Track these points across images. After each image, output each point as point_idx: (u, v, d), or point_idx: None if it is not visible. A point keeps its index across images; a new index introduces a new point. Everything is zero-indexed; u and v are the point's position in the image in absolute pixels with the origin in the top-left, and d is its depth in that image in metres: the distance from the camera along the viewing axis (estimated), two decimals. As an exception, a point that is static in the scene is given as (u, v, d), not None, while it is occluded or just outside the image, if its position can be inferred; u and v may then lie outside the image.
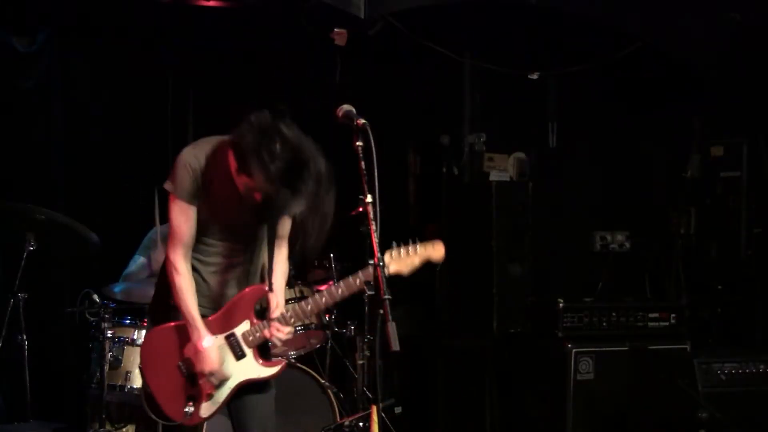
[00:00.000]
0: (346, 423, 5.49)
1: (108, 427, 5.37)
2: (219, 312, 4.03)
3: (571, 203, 7.67)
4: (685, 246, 7.59)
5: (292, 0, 6.38)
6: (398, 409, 6.21)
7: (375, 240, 3.49)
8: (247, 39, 6.74)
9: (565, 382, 6.09)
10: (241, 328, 4.02)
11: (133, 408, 5.58)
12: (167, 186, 3.97)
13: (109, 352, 5.33)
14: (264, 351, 4.09)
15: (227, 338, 4.02)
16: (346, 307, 5.88)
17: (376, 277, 3.44)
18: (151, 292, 5.60)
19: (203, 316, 4.00)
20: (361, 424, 5.53)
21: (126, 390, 5.34)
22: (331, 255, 6.03)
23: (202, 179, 3.90)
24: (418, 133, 7.71)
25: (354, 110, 3.73)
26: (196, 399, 4.00)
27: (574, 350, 6.10)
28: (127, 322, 5.48)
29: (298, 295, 5.78)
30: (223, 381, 4.00)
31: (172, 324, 4.03)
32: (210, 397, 4.00)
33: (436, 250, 4.19)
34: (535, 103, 7.77)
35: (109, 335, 5.34)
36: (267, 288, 4.05)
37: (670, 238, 7.64)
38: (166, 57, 6.64)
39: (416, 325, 7.20)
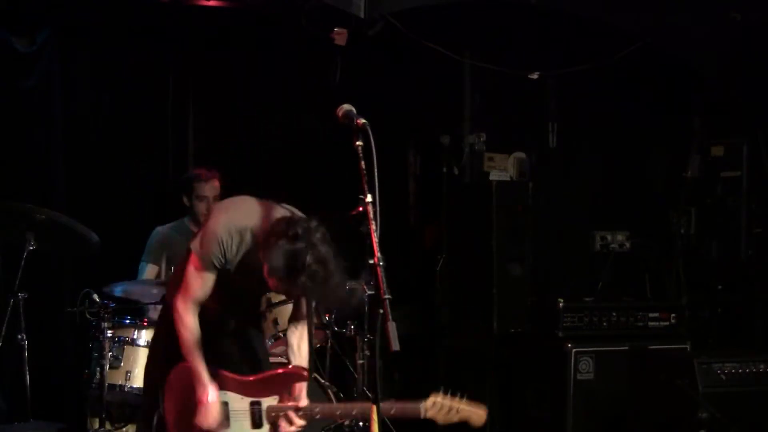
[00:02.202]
0: (346, 423, 5.49)
1: (108, 427, 5.37)
2: (255, 377, 4.09)
3: (571, 203, 7.67)
4: (685, 246, 7.59)
5: (292, 0, 6.38)
6: (398, 409, 6.20)
7: (375, 240, 3.48)
8: (247, 39, 6.75)
9: (565, 382, 6.09)
10: (268, 401, 4.07)
11: (133, 408, 5.58)
12: (194, 247, 3.97)
13: (109, 352, 5.32)
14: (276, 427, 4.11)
15: (252, 405, 4.06)
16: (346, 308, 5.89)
17: (376, 277, 3.43)
18: (152, 291, 5.65)
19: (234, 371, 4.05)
20: (361, 424, 5.53)
21: (126, 390, 5.33)
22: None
23: (230, 257, 3.92)
24: (418, 133, 7.71)
25: (354, 110, 3.72)
26: None
27: (574, 350, 6.10)
28: (127, 322, 5.48)
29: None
30: None
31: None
32: None
33: (478, 416, 4.05)
34: (535, 103, 7.77)
35: (109, 335, 5.34)
36: (307, 375, 4.10)
37: (670, 238, 7.64)
38: (167, 57, 6.64)
39: (416, 325, 7.20)
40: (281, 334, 5.49)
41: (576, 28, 7.01)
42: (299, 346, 4.21)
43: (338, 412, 4.16)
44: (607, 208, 7.72)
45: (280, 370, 4.13)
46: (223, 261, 3.92)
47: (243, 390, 4.06)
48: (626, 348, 6.23)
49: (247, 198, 4.04)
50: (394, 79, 7.33)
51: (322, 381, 5.61)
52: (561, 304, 6.21)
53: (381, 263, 3.47)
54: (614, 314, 6.35)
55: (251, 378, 4.08)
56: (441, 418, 4.03)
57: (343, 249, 5.87)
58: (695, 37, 7.08)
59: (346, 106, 3.74)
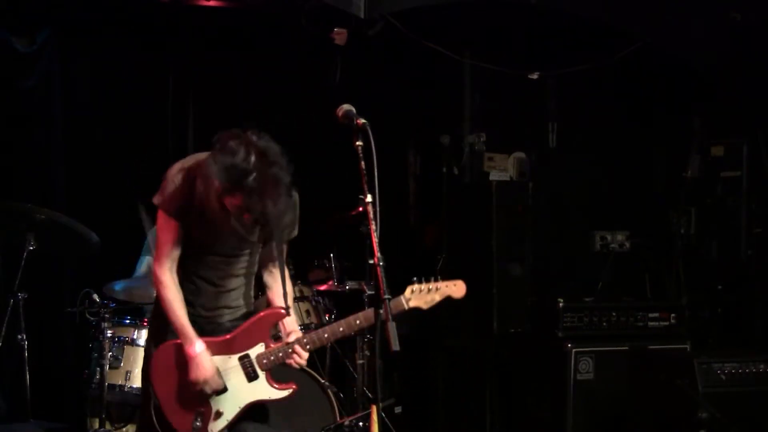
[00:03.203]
0: (346, 423, 5.49)
1: (108, 427, 5.37)
2: (234, 332, 4.05)
3: (571, 203, 7.67)
4: (685, 246, 7.59)
5: (292, 0, 6.38)
6: (398, 409, 6.21)
7: (375, 240, 3.49)
8: (247, 39, 6.75)
9: (565, 382, 6.08)
10: (256, 350, 4.04)
11: (133, 408, 5.59)
12: (155, 199, 3.98)
13: (109, 352, 5.33)
14: (275, 373, 4.09)
15: (241, 359, 4.03)
16: (346, 307, 5.88)
17: (376, 277, 3.43)
18: (152, 291, 5.65)
19: (195, 324, 4.00)
20: (361, 423, 5.53)
21: (126, 390, 5.34)
22: (331, 255, 6.03)
23: (191, 196, 3.89)
24: (418, 133, 7.71)
25: (354, 110, 3.73)
26: (204, 415, 4.00)
27: (574, 350, 6.10)
28: (127, 321, 5.49)
29: (297, 294, 5.79)
30: (233, 396, 4.00)
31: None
32: (219, 415, 4.01)
33: (457, 288, 4.21)
34: (535, 103, 7.77)
35: (109, 335, 5.34)
36: (284, 312, 4.07)
37: (670, 238, 7.64)
38: (167, 57, 6.65)
39: (416, 325, 7.20)
40: (280, 335, 5.48)
41: (576, 28, 7.01)
42: (274, 288, 4.15)
43: (325, 336, 4.06)
44: (607, 208, 7.72)
45: (253, 318, 4.07)
46: (183, 201, 3.88)
47: (226, 349, 4.02)
48: (626, 348, 6.22)
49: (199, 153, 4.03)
50: (394, 79, 7.33)
51: (322, 381, 5.61)
52: (561, 304, 6.21)
53: (381, 263, 3.48)
54: (614, 314, 6.35)
55: (229, 335, 4.04)
56: (425, 303, 4.11)
57: (343, 249, 5.88)
58: (695, 37, 7.08)
59: (346, 106, 3.75)
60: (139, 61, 6.51)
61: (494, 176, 7.41)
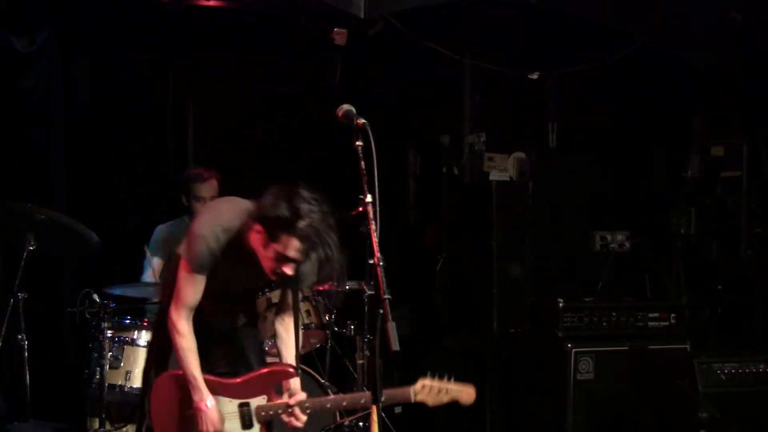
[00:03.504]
0: (346, 423, 5.49)
1: (108, 427, 5.37)
2: (241, 378, 4.08)
3: (571, 203, 7.67)
4: (685, 246, 7.58)
5: (292, 0, 6.38)
6: (398, 409, 6.21)
7: (375, 240, 3.48)
8: (247, 39, 6.74)
9: (565, 382, 6.09)
10: (257, 401, 4.07)
11: (133, 408, 5.58)
12: (182, 251, 3.98)
13: (109, 352, 5.32)
14: (270, 429, 4.12)
15: (240, 406, 4.06)
16: (346, 307, 5.89)
17: (376, 277, 3.43)
18: (150, 290, 5.65)
19: (224, 374, 4.07)
20: (361, 424, 5.53)
21: (126, 390, 5.34)
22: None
23: (220, 254, 3.91)
24: (418, 133, 7.71)
25: (354, 110, 3.73)
26: None
27: (574, 350, 6.10)
28: (127, 322, 5.48)
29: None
30: None
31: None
32: None
33: (466, 394, 4.21)
34: (535, 103, 7.77)
35: (109, 335, 5.34)
36: (294, 372, 4.10)
37: (670, 238, 7.64)
38: (167, 57, 6.65)
39: (416, 325, 7.20)
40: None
41: (576, 28, 7.01)
42: (286, 340, 4.20)
43: (328, 405, 4.16)
44: (607, 208, 7.72)
45: (264, 369, 4.13)
46: (212, 262, 3.91)
47: (230, 392, 4.06)
48: (626, 348, 6.23)
49: (233, 198, 4.05)
50: (394, 79, 7.33)
51: (322, 381, 5.61)
52: (561, 304, 6.21)
53: (381, 263, 3.47)
54: (614, 314, 6.35)
55: (237, 380, 4.08)
56: (431, 400, 4.12)
57: (343, 249, 5.84)
58: (695, 37, 7.08)
59: (346, 106, 3.75)
60: (139, 61, 6.51)
61: (494, 176, 7.41)
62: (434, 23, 6.86)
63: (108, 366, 5.29)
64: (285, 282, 4.01)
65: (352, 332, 5.95)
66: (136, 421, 4.75)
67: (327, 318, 5.88)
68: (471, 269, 6.84)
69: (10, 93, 6.08)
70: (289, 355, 4.19)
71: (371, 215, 3.53)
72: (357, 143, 3.66)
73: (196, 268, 3.92)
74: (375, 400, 3.48)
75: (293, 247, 3.75)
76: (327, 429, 5.44)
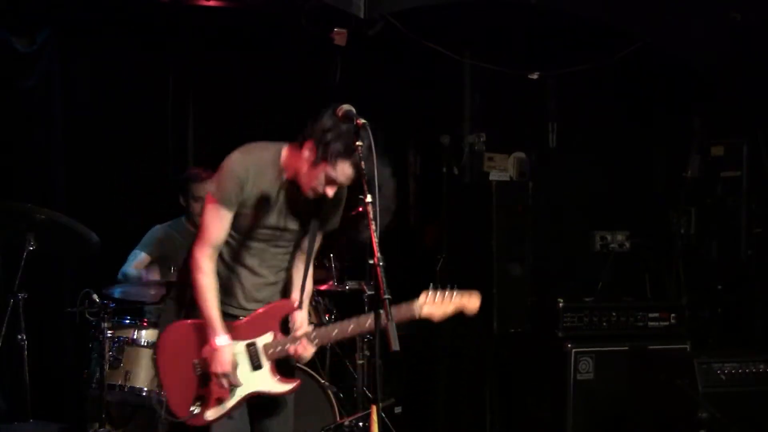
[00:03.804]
0: (346, 423, 5.49)
1: (108, 427, 5.37)
2: (245, 319, 4.03)
3: (571, 203, 7.67)
4: (685, 246, 7.58)
5: (292, 0, 6.38)
6: (398, 409, 6.21)
7: (375, 240, 3.48)
8: (247, 39, 6.74)
9: (565, 382, 6.09)
10: (263, 339, 4.02)
11: (133, 408, 5.58)
12: (211, 189, 3.96)
13: (109, 352, 5.32)
14: (280, 366, 4.06)
15: (248, 346, 4.01)
16: (346, 307, 5.89)
17: (376, 277, 3.43)
18: (150, 292, 5.65)
19: (233, 317, 4.01)
20: (361, 424, 5.53)
21: (126, 390, 5.33)
22: (331, 255, 6.03)
23: (250, 187, 3.90)
24: (418, 133, 7.71)
25: (354, 110, 3.74)
26: (204, 401, 3.97)
27: (574, 350, 6.10)
28: (127, 322, 5.48)
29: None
30: (233, 387, 3.97)
31: (195, 321, 4.00)
32: (219, 401, 3.97)
33: (471, 301, 4.11)
34: (535, 103, 7.77)
35: (108, 335, 5.34)
36: (296, 305, 4.06)
37: (670, 238, 7.64)
38: (167, 57, 6.64)
39: (416, 325, 7.19)
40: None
41: (576, 28, 7.00)
42: (294, 278, 4.17)
43: (334, 333, 4.02)
44: (607, 208, 7.72)
45: (267, 307, 4.06)
46: (238, 195, 3.89)
47: (236, 334, 3.98)
48: (626, 348, 6.23)
49: (260, 142, 4.04)
50: (394, 79, 7.33)
51: (322, 381, 5.61)
52: (561, 304, 6.21)
53: (381, 263, 3.47)
54: (614, 314, 6.36)
55: (242, 321, 4.02)
56: (437, 313, 4.04)
57: (343, 249, 5.86)
58: (695, 37, 7.08)
59: (346, 106, 3.75)
60: (139, 61, 6.51)
61: (494, 176, 7.41)
62: (434, 23, 6.86)
63: (108, 366, 5.29)
64: (318, 205, 3.95)
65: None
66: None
67: (327, 318, 5.88)
68: (471, 269, 6.84)
69: (10, 93, 6.09)
70: (295, 291, 4.13)
71: (371, 215, 3.53)
72: (357, 143, 3.66)
73: (222, 201, 3.90)
74: (375, 400, 3.48)
75: (346, 174, 3.77)
76: (327, 429, 5.44)
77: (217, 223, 3.93)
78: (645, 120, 7.82)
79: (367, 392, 5.79)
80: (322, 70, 6.86)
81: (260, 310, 4.04)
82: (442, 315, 4.06)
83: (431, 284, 4.07)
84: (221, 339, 3.91)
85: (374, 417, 3.52)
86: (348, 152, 3.74)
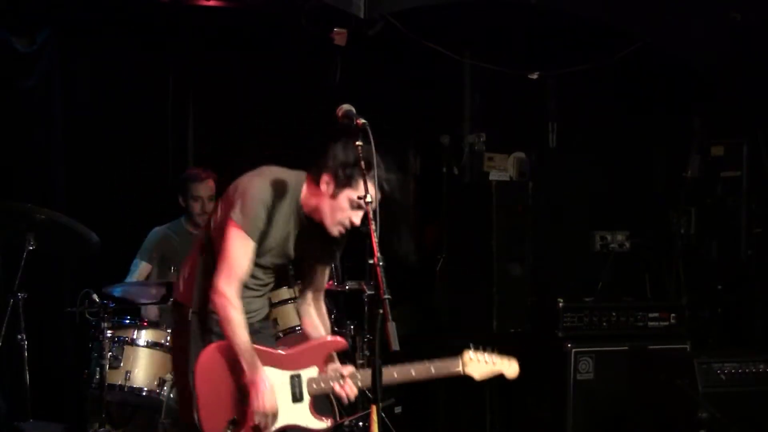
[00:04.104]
0: (346, 423, 5.49)
1: (108, 427, 5.37)
2: (293, 350, 4.00)
3: (571, 203, 7.67)
4: (685, 246, 7.58)
5: (292, 0, 6.38)
6: (398, 409, 6.21)
7: (375, 240, 3.48)
8: (247, 39, 6.75)
9: (565, 382, 6.08)
10: (308, 373, 3.98)
11: (133, 408, 5.59)
12: (235, 216, 3.82)
13: (109, 352, 5.32)
14: (317, 404, 4.03)
15: (292, 377, 3.97)
16: (346, 307, 5.89)
17: (375, 277, 3.43)
18: (151, 292, 5.65)
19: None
20: (361, 423, 5.53)
21: (126, 390, 5.33)
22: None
23: (271, 214, 3.86)
24: (418, 133, 7.70)
25: (354, 110, 3.73)
26: (237, 425, 3.89)
27: (574, 350, 6.10)
28: (127, 322, 5.48)
29: (297, 295, 5.78)
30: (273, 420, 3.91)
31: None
32: (254, 429, 3.89)
33: (511, 368, 4.24)
34: (535, 103, 7.77)
35: (108, 335, 5.34)
36: (346, 344, 4.05)
37: (670, 238, 7.64)
38: (167, 57, 6.65)
39: (416, 325, 7.20)
40: (281, 334, 5.48)
41: (576, 28, 7.00)
42: (316, 317, 4.14)
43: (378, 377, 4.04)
44: (607, 208, 7.72)
45: (317, 341, 4.03)
46: (265, 224, 3.83)
47: (280, 363, 3.94)
48: (626, 348, 6.23)
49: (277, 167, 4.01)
50: (394, 79, 7.33)
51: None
52: (561, 304, 6.21)
53: (381, 263, 3.47)
54: (614, 314, 6.35)
55: (290, 351, 3.97)
56: (478, 373, 4.15)
57: (343, 249, 5.85)
58: (695, 37, 7.08)
59: (346, 106, 3.75)
60: (139, 61, 6.51)
61: (494, 176, 7.40)
62: (434, 23, 6.86)
63: (108, 366, 5.29)
64: (339, 242, 3.93)
65: (352, 332, 5.95)
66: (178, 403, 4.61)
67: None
68: (471, 269, 6.84)
69: (10, 93, 6.09)
70: (327, 332, 4.11)
71: (371, 215, 3.53)
72: (357, 143, 3.66)
73: (249, 230, 3.80)
74: (375, 400, 3.47)
75: (369, 192, 3.69)
76: (327, 429, 5.43)
77: (245, 255, 3.83)
78: (645, 120, 7.81)
79: (367, 392, 5.79)
80: (322, 70, 6.86)
81: (309, 344, 4.03)
82: (484, 376, 4.20)
83: (471, 344, 4.22)
84: (267, 379, 3.84)
85: (374, 417, 3.52)
86: (368, 169, 3.67)
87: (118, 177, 6.43)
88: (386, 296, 3.41)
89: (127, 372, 5.34)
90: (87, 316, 5.40)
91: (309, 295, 4.19)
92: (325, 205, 3.85)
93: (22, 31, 6.12)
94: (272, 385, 3.87)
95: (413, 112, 7.50)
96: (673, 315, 6.46)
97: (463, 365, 4.10)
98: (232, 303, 3.82)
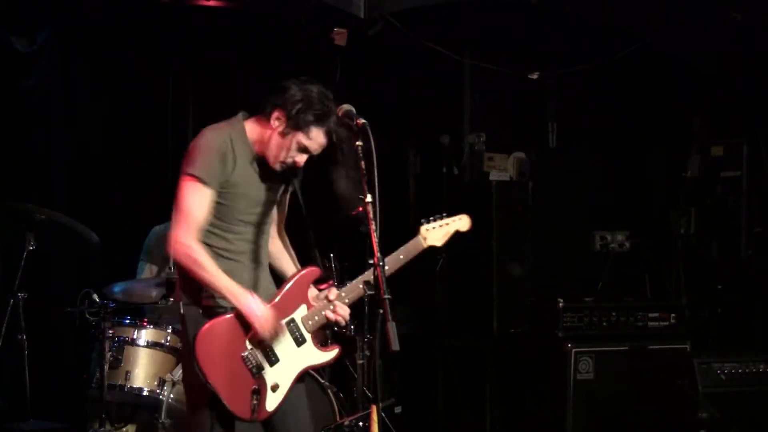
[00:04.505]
0: (346, 423, 5.49)
1: (108, 427, 5.36)
2: (277, 298, 3.88)
3: (571, 203, 7.67)
4: (685, 246, 7.59)
5: (292, 0, 6.38)
6: (398, 409, 6.21)
7: (375, 240, 3.48)
8: (247, 39, 6.75)
9: (565, 382, 6.09)
10: (300, 313, 3.91)
11: (133, 408, 5.58)
12: (188, 169, 3.80)
13: (109, 352, 5.32)
14: (318, 337, 3.98)
15: (287, 324, 3.88)
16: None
17: (376, 277, 3.43)
18: (152, 292, 5.65)
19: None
20: (361, 423, 5.53)
21: (126, 390, 5.33)
22: (331, 255, 6.03)
23: (231, 162, 3.81)
24: (418, 133, 7.70)
25: (354, 110, 3.74)
26: (260, 392, 3.80)
27: (574, 350, 6.10)
28: (127, 321, 5.48)
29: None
30: (286, 366, 3.84)
31: (228, 315, 3.81)
32: (275, 388, 3.83)
33: (463, 222, 4.27)
34: (535, 103, 7.77)
35: (109, 335, 5.34)
36: (319, 269, 3.95)
37: (670, 238, 7.64)
38: (166, 57, 6.64)
39: (416, 325, 7.20)
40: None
41: (576, 28, 7.01)
42: (284, 254, 4.09)
43: (361, 285, 3.92)
44: (607, 208, 7.72)
45: (291, 281, 3.94)
46: (224, 173, 3.78)
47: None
48: (626, 348, 6.23)
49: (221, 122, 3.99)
50: (394, 79, 7.33)
51: (322, 381, 5.61)
52: (561, 304, 6.21)
53: (381, 263, 3.47)
54: (614, 314, 6.35)
55: (273, 300, 3.86)
56: (439, 239, 4.16)
57: (344, 249, 5.87)
58: (695, 37, 7.08)
59: (346, 106, 3.76)
60: (139, 61, 6.51)
61: (494, 176, 7.41)
62: (434, 23, 6.86)
63: (108, 366, 5.29)
64: (287, 175, 3.88)
65: (352, 332, 5.95)
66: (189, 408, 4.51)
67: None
68: (471, 269, 6.84)
69: (10, 93, 6.09)
70: (296, 264, 4.06)
71: (371, 215, 3.53)
72: (357, 143, 3.66)
73: (204, 178, 3.75)
74: (375, 400, 3.47)
75: (320, 142, 3.74)
76: (327, 429, 5.44)
77: (199, 202, 3.76)
78: (645, 120, 7.82)
79: (367, 392, 5.79)
80: (322, 70, 6.85)
81: (288, 286, 3.93)
82: (443, 240, 4.18)
83: (422, 219, 4.17)
84: (249, 298, 3.74)
85: (374, 417, 3.51)
86: (322, 119, 3.74)
87: (118, 177, 6.43)
88: (386, 296, 3.41)
89: (127, 372, 5.34)
90: (87, 316, 5.40)
91: (273, 230, 4.09)
92: (272, 140, 3.83)
93: (22, 31, 6.12)
94: (260, 303, 3.77)
95: (413, 112, 7.50)
96: (673, 315, 6.46)
97: (425, 239, 4.10)
98: (193, 248, 3.75)
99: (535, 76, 7.34)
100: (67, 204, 6.08)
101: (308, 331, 3.92)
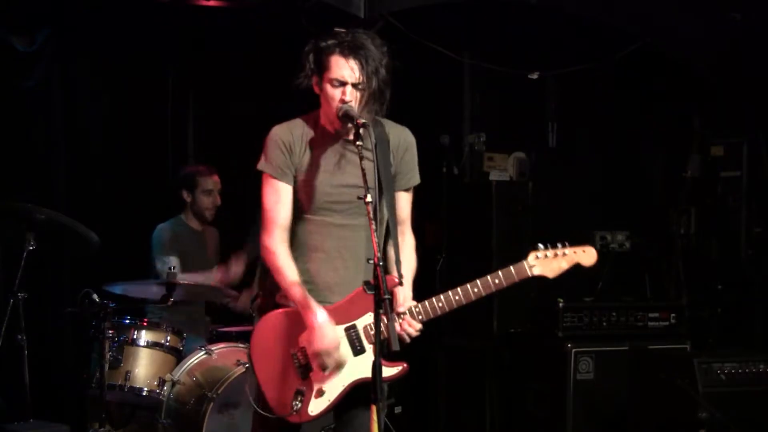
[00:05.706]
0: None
1: (108, 427, 5.37)
2: (341, 301, 3.76)
3: (571, 203, 7.67)
4: (685, 246, 7.58)
5: (292, 0, 6.38)
6: (398, 409, 6.21)
7: (375, 240, 3.48)
8: (247, 39, 6.74)
9: (565, 381, 6.08)
10: (363, 321, 3.76)
11: (133, 408, 5.59)
12: (260, 165, 3.80)
13: (109, 352, 5.32)
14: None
15: (347, 330, 3.75)
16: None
17: (376, 277, 3.42)
18: (152, 290, 5.65)
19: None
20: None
21: (126, 390, 5.33)
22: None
23: (299, 150, 3.79)
24: (418, 133, 7.69)
25: (354, 110, 3.74)
26: (305, 394, 3.71)
27: (574, 350, 6.10)
28: (127, 321, 5.48)
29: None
30: (337, 373, 3.73)
31: (288, 309, 3.75)
32: (321, 393, 3.72)
33: (587, 255, 4.03)
34: (535, 103, 7.77)
35: (109, 335, 5.34)
36: (397, 280, 3.73)
37: (670, 238, 7.64)
38: (167, 57, 6.64)
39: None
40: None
41: (576, 28, 7.00)
42: (402, 261, 3.94)
43: (439, 305, 3.84)
44: (607, 208, 7.72)
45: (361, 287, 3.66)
46: (294, 162, 3.75)
47: (333, 318, 3.71)
48: (626, 348, 6.23)
49: None
50: (394, 79, 7.31)
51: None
52: (561, 304, 6.21)
53: (381, 263, 3.47)
54: (614, 314, 6.35)
55: (338, 303, 3.75)
56: (551, 271, 3.95)
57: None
58: (695, 37, 7.07)
59: (346, 107, 3.75)
60: (138, 61, 6.51)
61: (494, 176, 7.39)
62: (434, 23, 6.86)
63: (108, 366, 5.29)
64: (350, 118, 3.72)
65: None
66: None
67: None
68: (471, 269, 6.82)
69: (10, 93, 6.09)
70: (405, 273, 3.88)
71: (371, 215, 3.52)
72: (357, 143, 3.66)
73: (276, 173, 3.74)
74: (375, 400, 3.46)
75: (342, 66, 3.73)
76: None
77: (279, 200, 3.74)
78: (645, 120, 7.82)
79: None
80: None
81: (355, 291, 3.73)
82: (557, 273, 3.97)
83: (539, 244, 4.01)
84: (320, 315, 3.65)
85: (374, 417, 3.51)
86: (329, 48, 3.72)
87: (118, 177, 6.43)
88: (386, 296, 3.40)
89: (127, 372, 5.34)
90: (87, 316, 5.40)
91: (393, 224, 3.99)
92: (324, 104, 3.82)
93: (22, 31, 6.12)
94: (328, 323, 3.65)
95: (413, 112, 7.48)
96: (673, 315, 6.46)
97: (531, 267, 3.92)
98: (272, 251, 3.73)
99: (535, 76, 7.33)
100: (67, 204, 6.09)
101: (370, 342, 3.75)
